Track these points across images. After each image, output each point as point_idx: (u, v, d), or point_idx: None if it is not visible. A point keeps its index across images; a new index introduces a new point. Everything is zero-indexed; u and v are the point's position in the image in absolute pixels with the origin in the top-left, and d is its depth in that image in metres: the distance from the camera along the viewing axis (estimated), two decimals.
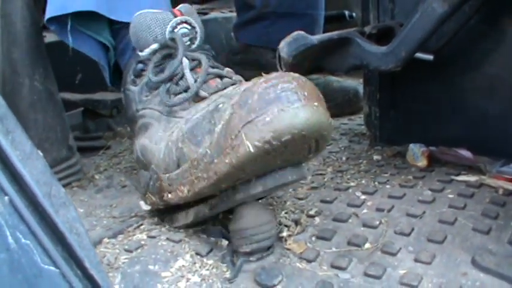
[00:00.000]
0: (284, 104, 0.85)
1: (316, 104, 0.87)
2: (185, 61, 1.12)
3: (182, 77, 1.11)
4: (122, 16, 1.26)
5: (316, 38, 1.21)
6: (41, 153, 0.79)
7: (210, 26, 2.44)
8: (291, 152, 0.88)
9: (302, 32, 1.20)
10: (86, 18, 1.29)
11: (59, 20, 1.28)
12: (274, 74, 0.90)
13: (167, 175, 1.04)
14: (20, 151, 0.76)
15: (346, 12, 2.23)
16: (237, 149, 0.86)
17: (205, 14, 2.59)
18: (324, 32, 1.91)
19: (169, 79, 1.13)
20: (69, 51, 1.32)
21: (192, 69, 1.12)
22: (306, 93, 0.87)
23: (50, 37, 1.58)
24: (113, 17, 1.27)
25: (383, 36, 1.31)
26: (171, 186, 1.03)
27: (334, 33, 1.25)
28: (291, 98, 0.85)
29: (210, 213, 1.04)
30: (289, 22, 1.95)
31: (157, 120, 1.15)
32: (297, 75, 0.90)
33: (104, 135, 1.79)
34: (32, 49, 1.30)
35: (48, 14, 1.26)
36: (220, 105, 0.95)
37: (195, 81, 1.09)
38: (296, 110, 0.85)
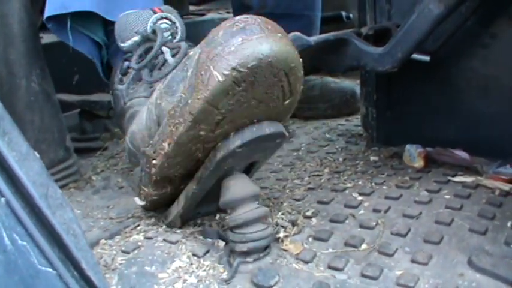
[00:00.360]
0: (248, 35, 0.89)
1: (279, 35, 0.91)
2: (166, 49, 1.14)
3: (164, 63, 1.13)
4: (117, 17, 1.27)
5: (313, 39, 1.22)
6: (38, 155, 0.78)
7: (207, 27, 2.43)
8: (262, 87, 0.91)
9: (298, 33, 1.20)
10: (82, 18, 1.30)
11: (57, 19, 1.29)
12: (239, 16, 0.94)
13: (151, 142, 1.05)
14: (17, 152, 0.76)
15: (343, 13, 2.23)
16: (207, 81, 0.89)
17: (203, 15, 2.59)
18: (320, 33, 1.91)
19: (152, 66, 1.15)
20: (66, 53, 1.33)
21: (173, 56, 1.13)
22: (269, 27, 0.91)
23: (46, 38, 1.58)
24: (109, 18, 1.29)
25: (380, 37, 1.31)
26: (155, 151, 1.04)
27: (330, 34, 1.25)
28: (255, 30, 0.90)
29: (198, 188, 1.04)
30: (286, 23, 1.93)
31: (143, 105, 1.15)
32: (261, 17, 0.94)
33: (101, 137, 1.79)
34: (28, 50, 1.30)
35: (48, 12, 1.27)
36: (191, 52, 0.99)
37: (173, 56, 1.11)
38: (260, 39, 0.89)
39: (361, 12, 1.47)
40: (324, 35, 1.26)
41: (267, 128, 0.97)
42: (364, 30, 1.32)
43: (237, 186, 1.00)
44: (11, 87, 1.27)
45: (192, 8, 2.91)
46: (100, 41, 1.36)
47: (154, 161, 1.04)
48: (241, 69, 0.87)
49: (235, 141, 0.96)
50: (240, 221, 0.98)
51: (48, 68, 1.38)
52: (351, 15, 2.23)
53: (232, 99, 0.90)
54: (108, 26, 1.34)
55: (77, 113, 1.84)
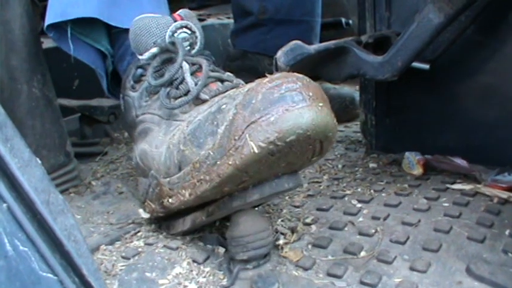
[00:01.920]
0: (289, 104, 0.84)
1: (321, 104, 0.87)
2: (185, 65, 1.11)
3: (182, 81, 1.10)
4: (123, 22, 1.26)
5: (313, 47, 1.22)
6: (39, 161, 0.79)
7: (208, 33, 2.42)
8: (295, 153, 0.88)
9: (299, 42, 1.20)
10: (84, 26, 1.29)
11: (58, 27, 1.28)
12: (278, 74, 0.89)
13: (168, 179, 1.04)
14: (19, 158, 0.76)
15: (343, 20, 2.23)
16: (241, 150, 0.85)
17: (203, 20, 2.59)
18: (320, 39, 1.92)
19: (169, 83, 1.12)
20: (66, 58, 1.32)
21: (192, 74, 1.11)
22: (310, 94, 0.86)
23: (47, 43, 1.58)
24: (113, 24, 1.27)
25: (379, 45, 1.32)
26: (172, 190, 1.02)
27: (331, 43, 1.25)
28: (296, 98, 0.85)
29: (207, 220, 1.04)
30: (286, 29, 1.96)
31: (157, 124, 1.14)
32: (301, 75, 0.90)
33: (101, 141, 1.79)
34: (30, 56, 1.30)
35: (48, 20, 1.26)
36: (223, 106, 0.94)
37: (196, 84, 1.08)
38: (301, 110, 0.84)
39: (360, 20, 1.47)
40: (324, 44, 1.26)
41: (286, 183, 0.95)
42: (364, 38, 1.33)
43: (248, 224, 0.98)
44: (12, 93, 1.28)
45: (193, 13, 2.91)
46: (104, 50, 1.34)
47: (170, 199, 1.03)
48: (279, 144, 0.84)
49: (254, 195, 0.94)
50: (246, 258, 0.98)
51: (49, 73, 1.38)
52: (350, 22, 2.23)
53: (263, 166, 0.88)
54: (112, 33, 1.33)
55: (77, 118, 1.84)
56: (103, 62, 1.37)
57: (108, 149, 1.73)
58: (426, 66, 1.29)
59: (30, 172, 0.76)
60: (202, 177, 0.93)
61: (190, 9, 2.91)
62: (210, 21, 2.59)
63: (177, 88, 1.11)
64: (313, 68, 1.27)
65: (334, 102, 1.88)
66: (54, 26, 1.27)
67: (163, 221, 1.17)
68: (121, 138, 1.79)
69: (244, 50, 2.07)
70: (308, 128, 0.84)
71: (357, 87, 1.64)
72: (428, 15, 1.14)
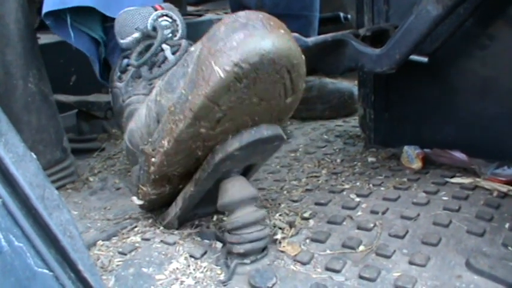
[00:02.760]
0: (250, 30, 0.88)
1: (282, 31, 0.90)
2: (166, 47, 1.14)
3: (164, 60, 1.13)
4: (117, 13, 1.27)
5: (311, 40, 1.21)
6: (34, 156, 0.78)
7: (206, 28, 2.43)
8: (264, 83, 0.89)
9: (296, 34, 1.19)
10: (80, 14, 1.30)
11: (56, 15, 1.29)
12: (241, 12, 0.92)
13: (150, 140, 1.04)
14: (13, 153, 0.76)
15: (341, 14, 2.23)
16: (208, 77, 0.88)
17: (200, 15, 2.59)
18: (318, 34, 1.91)
19: (152, 64, 1.14)
20: (63, 53, 1.32)
21: (173, 54, 1.13)
22: (271, 23, 0.90)
23: (44, 39, 1.57)
24: (108, 14, 1.28)
25: (377, 38, 1.31)
26: (154, 149, 1.03)
27: (328, 36, 1.25)
28: (257, 25, 0.88)
29: (196, 190, 1.04)
30: (285, 23, 1.95)
31: (142, 102, 1.15)
32: (263, 13, 0.93)
33: (98, 137, 1.79)
34: (25, 51, 1.29)
35: (46, 8, 1.27)
36: (192, 48, 0.97)
37: (174, 54, 1.11)
38: (262, 34, 0.87)
39: (359, 13, 1.47)
40: (321, 36, 1.25)
41: (265, 131, 0.96)
42: (362, 31, 1.32)
43: (235, 189, 0.99)
44: (7, 88, 1.27)
45: (190, 8, 2.91)
46: (98, 38, 1.36)
47: (153, 159, 1.03)
48: (243, 65, 0.86)
49: (233, 144, 0.95)
50: (237, 224, 0.97)
51: (45, 69, 1.38)
52: (349, 16, 2.23)
53: (233, 96, 0.89)
54: (106, 22, 1.34)
55: (74, 114, 1.84)
56: (96, 49, 1.39)
57: (105, 144, 1.73)
58: (425, 59, 1.28)
59: (24, 167, 0.76)
60: (177, 117, 0.95)
61: (189, 4, 2.92)
62: (208, 16, 2.58)
63: (159, 67, 1.14)
64: (310, 61, 1.25)
65: (333, 97, 1.89)
66: (52, 14, 1.28)
67: (159, 214, 1.17)
68: (118, 134, 1.78)
69: None
70: (270, 51, 0.87)
71: (356, 81, 1.64)
72: (427, 7, 1.13)
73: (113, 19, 1.26)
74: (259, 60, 0.86)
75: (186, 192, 1.06)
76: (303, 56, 0.94)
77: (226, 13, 2.59)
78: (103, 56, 1.40)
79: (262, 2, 1.96)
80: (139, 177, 1.12)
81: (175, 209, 1.10)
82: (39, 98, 1.33)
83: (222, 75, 0.86)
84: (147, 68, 1.14)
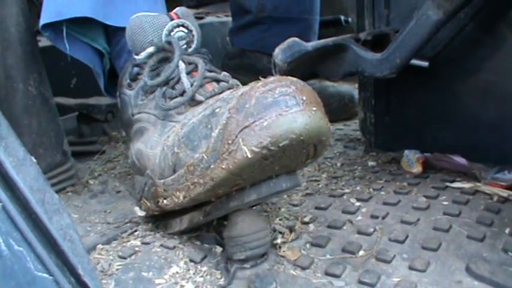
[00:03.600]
0: (282, 108, 0.83)
1: (314, 108, 0.86)
2: (181, 65, 1.10)
3: (178, 80, 1.10)
4: (118, 21, 1.25)
5: (311, 44, 1.21)
6: (34, 160, 0.78)
7: (206, 31, 2.44)
8: (288, 157, 0.87)
9: (297, 39, 1.19)
10: (80, 25, 1.28)
11: (54, 27, 1.27)
12: (272, 78, 0.88)
13: (162, 181, 1.03)
14: (13, 157, 0.76)
15: (342, 17, 2.23)
16: (234, 154, 0.85)
17: (201, 18, 2.59)
18: (319, 37, 1.91)
19: (165, 83, 1.11)
20: (64, 56, 1.32)
21: (188, 73, 1.10)
22: (304, 98, 0.86)
23: (44, 42, 1.57)
24: (109, 23, 1.27)
25: (378, 42, 1.31)
26: (167, 192, 1.02)
27: (329, 40, 1.25)
28: (289, 103, 0.84)
29: (204, 219, 1.03)
30: (285, 27, 1.95)
31: (153, 124, 1.14)
32: (295, 79, 0.89)
33: (99, 140, 1.78)
34: (26, 54, 1.29)
35: (43, 20, 1.25)
36: (217, 110, 0.93)
37: (191, 85, 1.07)
38: (294, 114, 0.83)
39: (359, 17, 1.47)
40: (321, 41, 1.25)
41: (284, 183, 0.94)
42: (362, 35, 1.32)
43: (245, 224, 0.98)
44: (8, 91, 1.27)
45: (190, 11, 2.91)
46: (101, 49, 1.34)
47: (164, 201, 1.03)
48: (272, 148, 0.83)
49: (251, 196, 0.93)
50: (243, 257, 0.97)
51: (45, 72, 1.38)
52: (349, 19, 2.23)
53: (257, 170, 0.87)
54: (108, 32, 1.33)
55: (74, 117, 1.83)
56: (100, 60, 1.37)
57: (105, 147, 1.73)
58: (425, 64, 1.28)
59: (25, 171, 0.76)
60: (196, 180, 0.93)
61: (189, 7, 2.91)
62: (209, 19, 2.58)
63: (173, 88, 1.11)
64: (311, 65, 1.26)
65: (333, 100, 1.89)
66: (50, 26, 1.27)
67: (161, 220, 1.16)
68: (119, 136, 1.78)
69: (242, 48, 2.07)
70: (301, 133, 0.84)
71: (356, 85, 1.64)
72: (427, 12, 1.13)
73: (114, 30, 1.25)
74: (289, 143, 0.84)
75: (193, 217, 1.05)
76: (330, 129, 0.91)
77: (226, 16, 2.59)
78: (107, 68, 1.38)
79: (263, 6, 1.96)
80: (143, 190, 1.11)
81: (179, 226, 1.09)
82: (39, 101, 1.33)
83: (249, 155, 0.84)
84: (160, 91, 1.11)
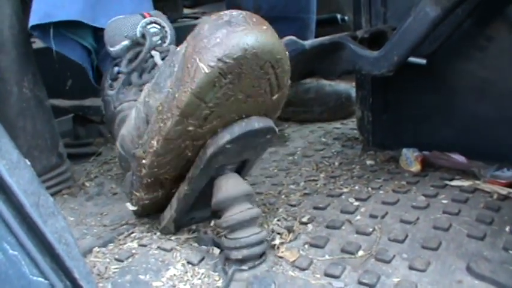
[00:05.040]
0: (233, 26, 0.89)
1: (264, 27, 0.91)
2: (155, 53, 1.17)
3: (154, 66, 1.15)
4: (105, 24, 1.27)
5: (308, 43, 1.21)
6: (29, 162, 0.78)
7: None
8: (248, 79, 0.90)
9: (293, 37, 1.19)
10: (70, 25, 1.30)
11: (43, 27, 1.29)
12: (224, 11, 0.93)
13: (140, 142, 1.04)
14: (7, 160, 0.75)
15: (338, 16, 2.22)
16: (194, 74, 0.89)
17: (197, 18, 2.58)
18: (316, 36, 1.91)
19: (141, 70, 1.17)
20: (59, 58, 1.32)
21: (162, 59, 1.15)
22: (254, 19, 0.92)
23: (38, 43, 1.56)
24: (96, 25, 1.29)
25: (375, 40, 1.31)
26: (145, 151, 1.02)
27: (325, 38, 1.24)
28: (240, 22, 0.90)
29: (190, 189, 1.03)
30: (282, 26, 1.92)
31: (133, 108, 1.15)
32: (246, 11, 0.94)
33: (95, 142, 1.78)
34: (20, 56, 1.29)
35: (32, 21, 1.27)
36: (178, 49, 0.99)
37: (163, 59, 1.13)
38: (245, 30, 0.89)
39: (356, 15, 1.46)
40: (318, 39, 1.25)
41: (256, 123, 0.96)
42: (359, 33, 1.31)
43: (229, 186, 0.99)
44: (2, 94, 1.26)
45: (186, 11, 2.91)
46: (89, 46, 1.36)
47: (144, 161, 1.03)
48: (227, 60, 0.87)
49: (224, 137, 0.95)
50: (232, 222, 0.97)
51: (41, 73, 1.37)
52: (346, 18, 2.22)
53: (219, 92, 0.90)
54: (97, 30, 1.33)
55: (70, 118, 1.83)
56: (88, 56, 1.39)
57: (102, 149, 1.72)
58: (423, 61, 1.28)
59: (19, 174, 0.75)
60: (165, 116, 0.95)
61: (185, 7, 2.91)
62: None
63: (149, 72, 1.17)
64: (308, 64, 1.26)
65: (330, 99, 1.88)
66: (39, 27, 1.29)
67: (155, 218, 1.16)
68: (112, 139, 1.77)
69: None
70: (253, 46, 0.88)
71: (353, 83, 1.63)
72: (425, 8, 1.12)
73: (102, 29, 1.26)
74: (243, 55, 0.87)
75: (180, 193, 1.06)
76: (287, 52, 0.95)
77: None
78: (95, 63, 1.40)
79: (259, 5, 1.95)
80: (132, 183, 1.11)
81: (170, 212, 1.09)
82: (34, 103, 1.32)
83: (207, 70, 0.87)
84: (137, 75, 1.17)
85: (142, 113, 1.05)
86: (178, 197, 1.06)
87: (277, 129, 1.00)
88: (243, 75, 0.89)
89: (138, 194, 1.11)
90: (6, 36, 1.26)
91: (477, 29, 1.26)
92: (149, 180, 1.06)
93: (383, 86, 1.45)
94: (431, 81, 1.35)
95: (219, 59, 0.87)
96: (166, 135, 0.96)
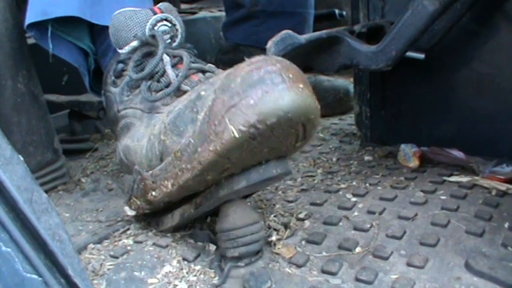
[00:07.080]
0: (268, 86, 0.82)
1: (301, 86, 0.84)
2: (166, 58, 1.10)
3: (163, 74, 1.09)
4: (105, 20, 1.23)
5: (305, 37, 1.19)
6: (22, 158, 0.77)
7: (199, 26, 2.43)
8: (277, 138, 0.86)
9: (290, 32, 1.18)
10: (66, 24, 1.27)
11: (39, 26, 1.25)
12: (257, 58, 0.87)
13: (150, 172, 1.01)
14: (0, 156, 0.74)
15: (336, 11, 2.22)
16: (221, 135, 0.83)
17: (195, 13, 2.58)
18: (314, 31, 1.90)
19: (150, 76, 1.10)
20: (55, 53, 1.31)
21: (173, 66, 1.10)
22: (290, 75, 0.84)
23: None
24: (95, 22, 1.25)
25: (373, 35, 1.30)
26: (155, 183, 1.00)
27: (323, 32, 1.23)
28: (275, 80, 0.82)
29: (196, 212, 1.01)
30: (279, 21, 1.94)
31: (139, 119, 1.12)
32: (280, 58, 0.87)
33: (91, 138, 1.77)
34: (14, 51, 1.28)
35: (29, 19, 1.24)
36: (203, 93, 0.92)
37: (177, 76, 1.07)
38: (281, 91, 0.82)
39: (354, 10, 1.46)
40: (315, 33, 1.23)
41: (274, 169, 0.92)
42: (357, 28, 1.30)
43: (237, 216, 0.96)
44: None
45: (183, 6, 2.90)
46: (86, 48, 1.33)
47: (153, 193, 1.00)
48: (260, 126, 0.81)
49: (240, 183, 0.91)
50: (236, 254, 0.95)
51: (36, 69, 1.36)
52: (344, 13, 2.22)
53: (245, 152, 0.85)
54: (95, 30, 1.31)
55: (66, 114, 1.82)
56: (85, 60, 1.36)
57: (98, 145, 1.72)
58: (421, 56, 1.27)
59: (12, 170, 0.74)
60: (183, 166, 0.91)
61: (183, 2, 2.91)
62: (202, 14, 2.57)
63: (158, 81, 1.10)
64: (305, 58, 1.25)
65: (328, 95, 1.88)
66: (35, 25, 1.25)
67: (153, 218, 1.15)
68: (111, 134, 1.76)
69: (236, 43, 2.05)
70: (289, 110, 0.82)
71: (351, 79, 1.62)
72: (423, 2, 1.11)
73: (100, 27, 1.24)
74: (277, 121, 0.82)
75: (184, 211, 1.04)
76: (319, 107, 0.88)
77: (220, 10, 2.57)
78: (92, 67, 1.37)
79: (257, 0, 1.94)
80: (132, 188, 1.10)
81: (171, 222, 1.07)
82: (28, 98, 1.31)
83: (237, 135, 0.82)
84: (146, 84, 1.10)
85: (156, 149, 1.00)
86: (181, 213, 1.05)
87: (292, 171, 0.98)
88: (272, 136, 0.85)
89: (138, 202, 1.09)
90: (0, 30, 1.25)
91: (476, 24, 1.26)
92: (154, 199, 1.03)
93: (381, 81, 1.44)
94: (430, 76, 1.35)
95: (251, 125, 0.81)
96: (183, 184, 0.93)
